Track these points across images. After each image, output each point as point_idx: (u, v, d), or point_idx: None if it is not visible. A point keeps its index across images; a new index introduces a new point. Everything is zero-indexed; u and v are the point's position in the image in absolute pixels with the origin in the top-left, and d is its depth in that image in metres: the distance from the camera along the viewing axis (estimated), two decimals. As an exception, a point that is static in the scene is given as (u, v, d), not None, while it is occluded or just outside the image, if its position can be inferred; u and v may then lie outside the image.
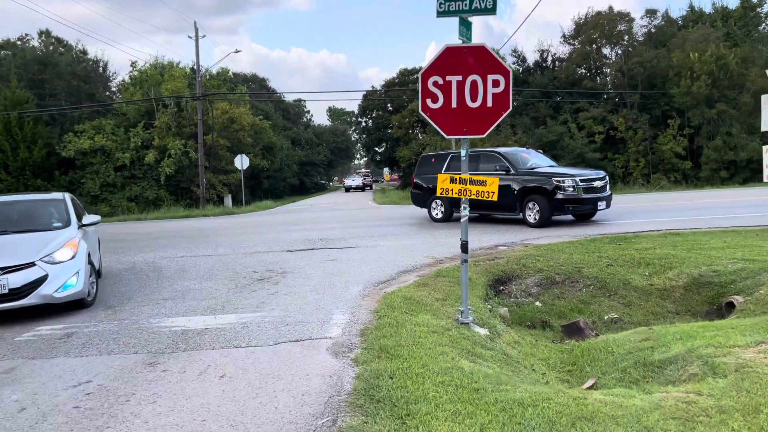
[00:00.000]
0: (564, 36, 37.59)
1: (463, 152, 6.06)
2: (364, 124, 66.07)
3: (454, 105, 5.56)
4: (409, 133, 53.21)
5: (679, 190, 26.29)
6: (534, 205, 12.48)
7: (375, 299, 6.90)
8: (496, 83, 5.46)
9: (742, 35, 31.34)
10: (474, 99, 5.52)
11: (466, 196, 5.95)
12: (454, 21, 5.64)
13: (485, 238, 11.47)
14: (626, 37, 34.12)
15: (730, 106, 28.17)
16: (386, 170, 77.17)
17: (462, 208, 6.13)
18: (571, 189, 12.07)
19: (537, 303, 8.41)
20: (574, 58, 35.95)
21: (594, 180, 12.44)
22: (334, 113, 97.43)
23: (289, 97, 74.92)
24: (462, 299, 6.25)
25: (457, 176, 5.98)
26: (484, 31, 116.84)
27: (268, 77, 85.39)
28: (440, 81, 5.52)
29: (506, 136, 31.78)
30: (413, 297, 6.95)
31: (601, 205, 12.49)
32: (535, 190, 12.52)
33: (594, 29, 34.57)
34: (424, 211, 15.71)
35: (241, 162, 29.99)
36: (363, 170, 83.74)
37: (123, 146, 32.40)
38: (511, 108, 5.60)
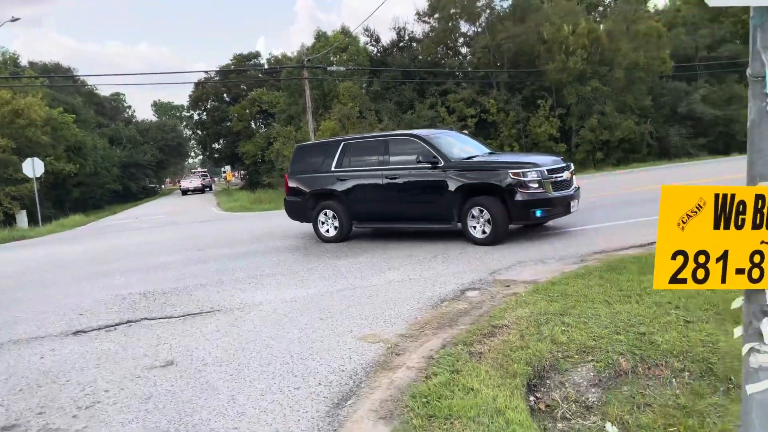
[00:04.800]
0: (419, 14, 34.49)
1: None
2: (197, 117, 58.81)
3: None
4: (251, 126, 47.53)
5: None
6: (481, 211, 8.34)
7: None
8: None
9: (605, 9, 30.42)
10: None
11: None
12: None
13: (428, 274, 7.09)
14: (488, 12, 31.77)
15: (602, 83, 26.73)
16: (227, 168, 69.77)
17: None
18: (537, 185, 8.09)
19: (609, 427, 4.22)
20: (433, 36, 32.97)
21: (562, 171, 8.59)
22: (160, 108, 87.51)
23: (105, 91, 64.93)
24: None
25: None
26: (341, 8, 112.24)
27: (76, 68, 73.35)
28: None
29: (371, 123, 27.79)
30: None
31: (574, 205, 8.69)
32: (482, 188, 8.40)
33: (452, 4, 31.74)
34: (305, 225, 10.97)
35: (33, 167, 22.46)
36: (200, 170, 75.47)
37: None
38: None
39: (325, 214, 10.06)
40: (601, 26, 27.05)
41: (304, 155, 10.59)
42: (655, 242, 6.85)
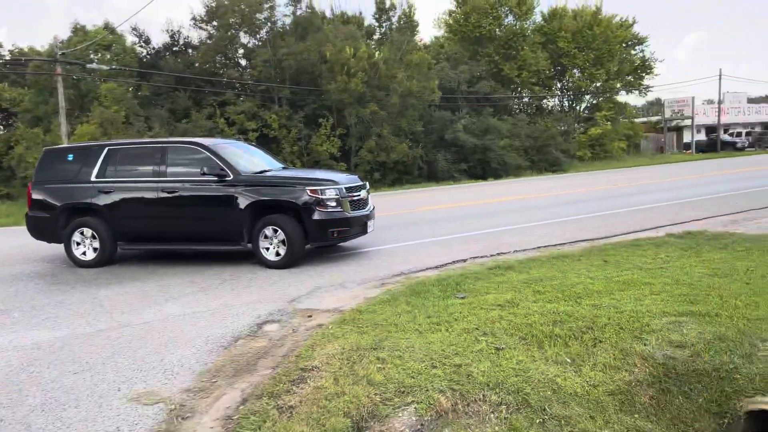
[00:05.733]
0: (195, 19, 32.42)
1: None
2: None
3: None
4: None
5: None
6: (276, 231, 7.56)
7: None
8: None
9: (381, 37, 31.83)
10: None
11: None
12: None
13: (216, 305, 6.11)
14: (268, 25, 31.10)
15: (380, 107, 27.77)
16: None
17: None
18: (335, 204, 7.60)
19: (435, 479, 3.75)
20: (211, 44, 31.23)
21: (359, 189, 8.24)
22: None
23: None
24: None
25: None
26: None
27: None
28: None
29: (140, 130, 25.09)
30: None
31: (371, 225, 8.36)
32: (277, 206, 7.65)
33: (231, 14, 30.43)
34: (54, 246, 9.02)
35: None
36: None
37: None
38: None
39: (82, 233, 8.31)
40: (377, 54, 28.20)
41: (54, 162, 8.68)
42: (451, 263, 6.71)
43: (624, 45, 41.27)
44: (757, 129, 52.41)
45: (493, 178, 29.34)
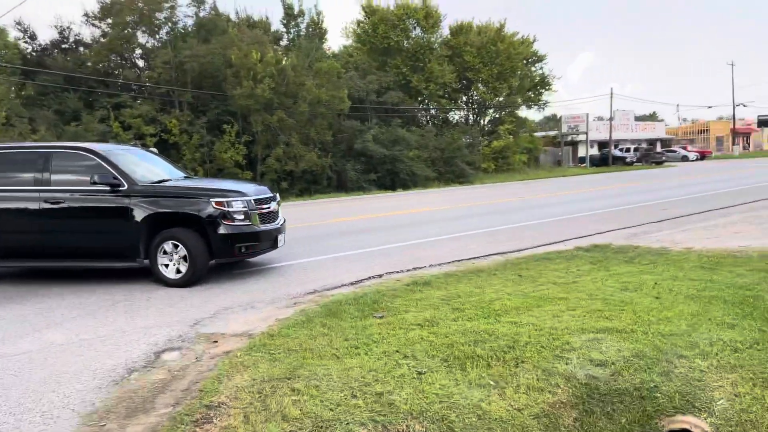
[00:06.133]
0: (87, 15, 30.29)
1: None
2: None
3: None
4: None
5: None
6: (176, 246, 6.94)
7: None
8: None
9: (289, 44, 31.17)
10: None
11: None
12: None
13: (107, 331, 5.45)
14: (169, 26, 29.63)
15: (287, 114, 27.12)
16: None
17: None
18: (243, 217, 7.09)
19: None
20: (106, 42, 29.28)
21: (269, 202, 7.76)
22: None
23: None
24: None
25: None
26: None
27: None
28: None
29: (23, 132, 22.97)
30: None
31: (281, 239, 7.90)
32: (178, 219, 7.03)
33: (128, 11, 28.69)
34: None
35: None
36: None
37: None
38: None
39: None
40: (284, 60, 27.55)
41: None
42: (367, 278, 6.42)
43: (525, 62, 43.15)
44: (644, 145, 56.54)
45: (403, 189, 29.51)
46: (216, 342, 5.11)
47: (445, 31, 41.54)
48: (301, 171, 27.73)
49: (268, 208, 7.61)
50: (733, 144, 68.62)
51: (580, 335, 5.03)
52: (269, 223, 7.57)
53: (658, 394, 4.37)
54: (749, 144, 78.42)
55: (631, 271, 7.13)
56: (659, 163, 49.58)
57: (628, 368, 4.53)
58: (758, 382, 4.04)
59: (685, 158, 55.69)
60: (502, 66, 39.95)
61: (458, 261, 8.25)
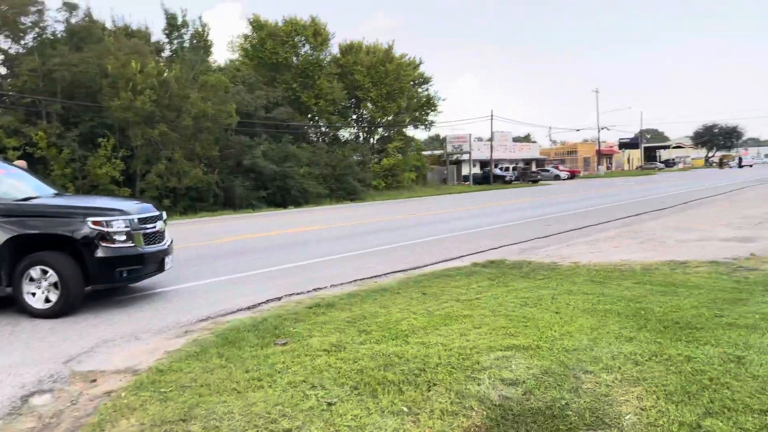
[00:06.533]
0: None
1: None
2: None
3: None
4: None
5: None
6: (45, 272, 6.12)
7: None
8: None
9: (173, 55, 29.66)
10: None
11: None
12: None
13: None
14: (37, 30, 27.19)
15: (170, 128, 25.69)
16: None
17: None
18: (125, 238, 6.42)
19: None
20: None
21: (155, 221, 7.11)
22: None
23: None
24: None
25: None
26: None
27: None
28: None
29: None
30: None
31: (169, 261, 7.24)
32: (48, 241, 6.21)
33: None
34: None
35: None
36: None
37: None
38: None
39: None
40: (166, 72, 26.10)
41: None
42: (265, 302, 6.03)
43: (412, 83, 44.31)
44: (521, 164, 59.95)
45: (294, 206, 28.97)
46: (95, 381, 4.49)
47: (334, 50, 41.76)
48: (185, 188, 26.35)
49: (154, 227, 6.96)
50: (599, 164, 74.74)
51: (488, 354, 4.97)
52: (155, 243, 6.92)
53: (570, 412, 4.37)
54: (612, 164, 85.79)
55: (528, 286, 7.28)
56: (535, 182, 52.81)
57: (539, 386, 4.51)
58: (661, 395, 4.13)
59: (557, 177, 59.81)
60: (390, 86, 40.74)
61: (360, 280, 8.04)
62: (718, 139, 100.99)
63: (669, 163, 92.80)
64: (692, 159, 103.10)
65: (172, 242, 7.61)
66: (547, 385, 4.53)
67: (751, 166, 79.95)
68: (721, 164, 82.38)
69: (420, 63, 44.30)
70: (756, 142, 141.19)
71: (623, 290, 6.78)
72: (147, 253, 6.67)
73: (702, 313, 5.63)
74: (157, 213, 7.29)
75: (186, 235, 14.57)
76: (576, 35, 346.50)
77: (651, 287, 6.86)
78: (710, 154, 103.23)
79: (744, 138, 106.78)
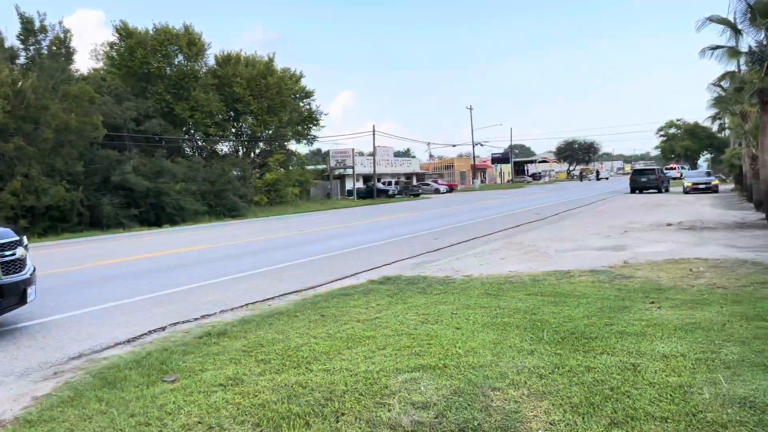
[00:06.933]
0: None
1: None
2: None
3: None
4: None
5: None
6: None
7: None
8: None
9: (29, 62, 26.92)
10: None
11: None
12: None
13: None
14: None
15: (27, 141, 23.27)
16: None
17: None
18: (-26, 267, 5.53)
19: None
20: None
21: (14, 247, 6.21)
22: None
23: None
24: None
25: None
26: None
27: None
28: None
29: None
30: None
31: (32, 292, 6.34)
32: None
33: None
34: None
35: None
36: None
37: None
38: None
39: None
40: (21, 81, 23.63)
41: None
42: (147, 333, 5.50)
43: (294, 97, 43.83)
44: (403, 179, 61.30)
45: (170, 225, 27.35)
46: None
47: (211, 61, 40.30)
48: (45, 207, 23.95)
49: (13, 254, 6.09)
50: (474, 178, 78.35)
51: (396, 376, 4.80)
52: (15, 273, 6.05)
53: (482, 432, 4.32)
54: (485, 178, 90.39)
55: (426, 302, 7.24)
56: (417, 195, 54.21)
57: (450, 408, 4.39)
58: (567, 408, 4.17)
59: (437, 191, 61.90)
60: (272, 100, 40.01)
61: (252, 304, 7.57)
62: (577, 154, 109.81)
63: (536, 177, 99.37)
64: (556, 172, 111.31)
65: (34, 270, 6.71)
66: (458, 405, 4.43)
67: (607, 178, 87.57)
68: (581, 177, 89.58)
69: (301, 76, 44.07)
70: (609, 157, 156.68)
71: (517, 302, 6.92)
72: (6, 285, 5.80)
73: (594, 323, 5.85)
74: (16, 238, 6.39)
75: (49, 260, 13.16)
76: (449, 53, 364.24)
77: (542, 298, 7.07)
78: (571, 168, 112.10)
79: (600, 153, 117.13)
